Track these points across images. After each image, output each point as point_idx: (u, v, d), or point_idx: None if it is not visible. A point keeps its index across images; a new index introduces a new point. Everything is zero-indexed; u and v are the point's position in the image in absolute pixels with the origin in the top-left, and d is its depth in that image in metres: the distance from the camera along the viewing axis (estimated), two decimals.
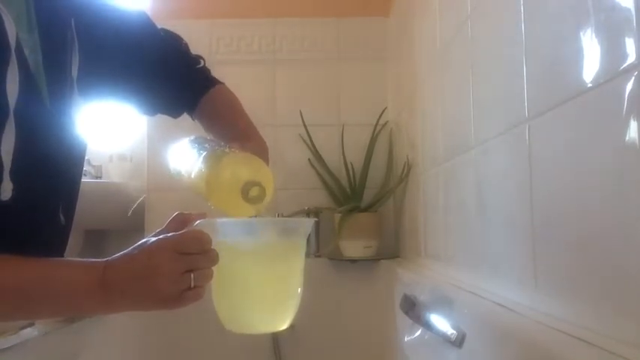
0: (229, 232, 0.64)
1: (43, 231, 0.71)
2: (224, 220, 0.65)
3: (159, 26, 0.91)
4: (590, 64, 0.51)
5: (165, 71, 0.89)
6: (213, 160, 0.67)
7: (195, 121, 0.93)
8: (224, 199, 0.66)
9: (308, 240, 1.61)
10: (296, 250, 0.67)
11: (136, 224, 1.69)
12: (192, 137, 0.77)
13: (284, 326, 0.65)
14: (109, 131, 1.83)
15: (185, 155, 0.74)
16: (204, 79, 0.93)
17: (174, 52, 0.92)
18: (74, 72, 0.75)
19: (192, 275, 0.58)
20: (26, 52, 0.65)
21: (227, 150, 0.70)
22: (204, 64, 0.95)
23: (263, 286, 0.64)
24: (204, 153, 0.69)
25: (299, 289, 0.66)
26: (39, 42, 0.69)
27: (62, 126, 0.72)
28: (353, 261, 1.54)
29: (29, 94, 0.64)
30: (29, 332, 0.76)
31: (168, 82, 0.89)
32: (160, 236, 0.60)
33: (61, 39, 0.73)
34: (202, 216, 0.65)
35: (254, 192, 0.64)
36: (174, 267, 0.57)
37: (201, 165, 0.68)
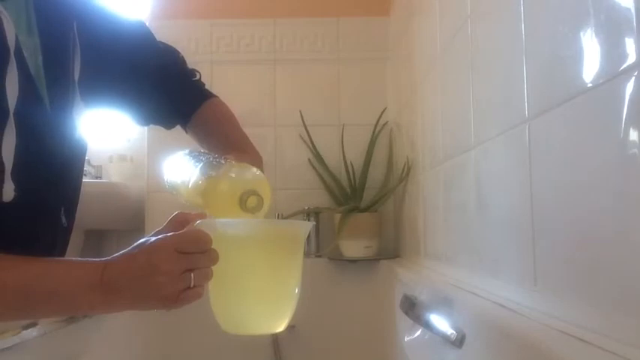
0: (228, 232, 0.64)
1: (45, 232, 0.71)
2: (223, 220, 0.65)
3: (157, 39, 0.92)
4: (590, 64, 0.51)
5: (162, 82, 0.89)
6: (211, 170, 0.68)
7: (189, 134, 0.94)
8: (222, 209, 0.66)
9: (308, 240, 1.62)
10: (294, 252, 0.67)
11: (136, 224, 1.69)
12: (186, 151, 0.77)
13: (280, 328, 0.65)
14: (109, 131, 1.83)
15: (181, 167, 0.74)
16: (199, 93, 0.94)
17: (171, 64, 0.93)
18: (76, 75, 0.75)
19: (192, 275, 0.58)
20: (26, 54, 0.65)
21: (223, 161, 0.70)
22: (200, 77, 0.96)
23: (260, 287, 0.65)
24: (201, 164, 0.70)
25: (296, 291, 0.66)
26: (39, 45, 0.69)
27: (63, 128, 0.72)
28: (353, 261, 1.54)
29: (29, 96, 0.64)
30: (29, 332, 0.76)
31: (163, 93, 0.90)
32: (160, 236, 0.60)
33: (62, 42, 0.73)
34: (202, 216, 0.65)
35: (252, 202, 0.64)
36: (175, 266, 0.57)
37: (199, 175, 0.68)
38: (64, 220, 0.74)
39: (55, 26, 0.72)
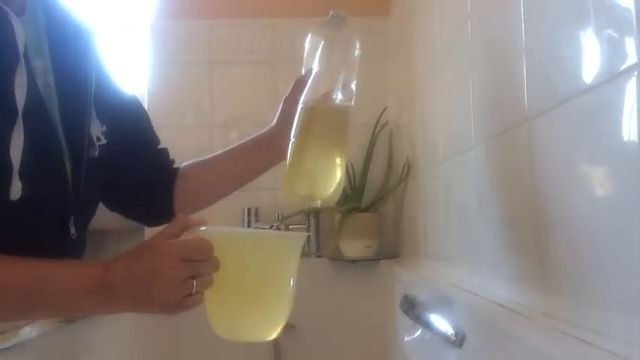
0: (228, 240, 0.64)
1: (52, 239, 0.71)
2: (224, 228, 0.66)
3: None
4: (590, 64, 0.51)
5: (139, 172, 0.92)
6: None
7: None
8: None
9: (308, 240, 1.62)
10: (290, 263, 0.67)
11: (135, 224, 1.68)
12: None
13: (272, 337, 0.67)
14: None
15: None
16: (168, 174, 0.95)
17: (155, 155, 0.95)
18: (92, 91, 0.77)
19: (194, 282, 0.58)
20: (34, 65, 0.66)
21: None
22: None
23: (255, 296, 0.66)
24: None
25: (290, 301, 0.67)
26: (50, 66, 0.70)
27: (72, 139, 0.73)
28: (353, 261, 1.53)
29: (36, 100, 0.64)
30: (29, 332, 0.76)
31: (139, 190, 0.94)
32: (164, 241, 0.60)
33: (78, 64, 0.76)
34: (202, 221, 0.65)
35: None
36: (178, 274, 0.57)
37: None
38: (72, 230, 0.73)
39: (70, 53, 0.74)
